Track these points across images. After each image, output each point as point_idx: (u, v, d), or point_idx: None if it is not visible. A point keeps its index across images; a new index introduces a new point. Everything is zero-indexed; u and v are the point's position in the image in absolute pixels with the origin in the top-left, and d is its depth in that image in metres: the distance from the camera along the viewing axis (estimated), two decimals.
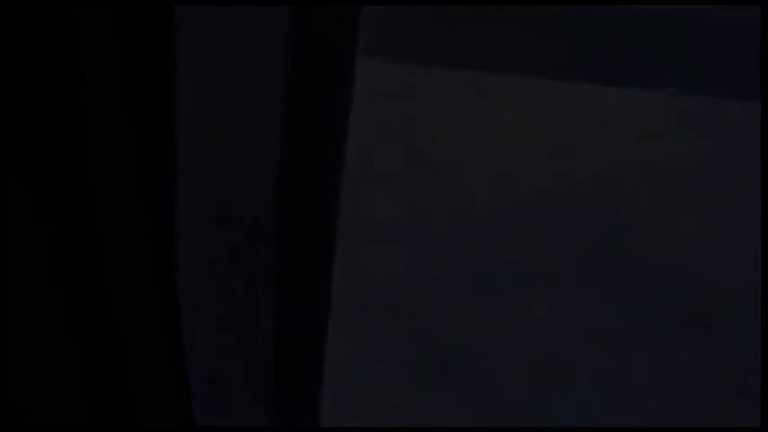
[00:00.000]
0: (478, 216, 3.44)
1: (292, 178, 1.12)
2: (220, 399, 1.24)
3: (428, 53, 4.21)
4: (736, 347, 2.83)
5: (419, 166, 3.70)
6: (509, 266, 3.18)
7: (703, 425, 2.55)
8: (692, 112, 3.91)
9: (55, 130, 0.89)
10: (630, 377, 2.74)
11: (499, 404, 2.63)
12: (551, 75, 4.12)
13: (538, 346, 2.86)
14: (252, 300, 1.17)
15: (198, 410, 1.15)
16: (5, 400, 0.97)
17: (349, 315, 2.88)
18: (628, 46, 4.21)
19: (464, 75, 4.12)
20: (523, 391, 2.69)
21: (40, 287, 0.94)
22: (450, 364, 2.77)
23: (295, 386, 1.35)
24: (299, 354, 1.33)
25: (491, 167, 3.71)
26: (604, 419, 2.60)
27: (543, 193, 3.56)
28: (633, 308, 3.01)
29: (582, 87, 4.05)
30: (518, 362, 2.80)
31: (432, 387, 2.67)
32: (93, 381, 0.98)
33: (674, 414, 2.62)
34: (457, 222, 3.41)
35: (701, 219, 3.41)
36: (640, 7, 4.29)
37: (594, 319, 2.95)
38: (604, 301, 3.03)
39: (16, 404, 0.97)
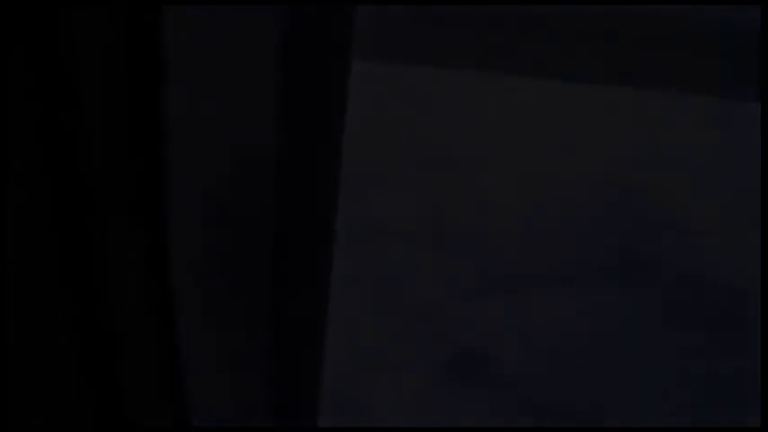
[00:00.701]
0: (477, 216, 3.44)
1: (290, 179, 1.12)
2: (219, 399, 1.24)
3: (425, 53, 4.21)
4: (748, 348, 2.83)
5: (418, 167, 3.70)
6: (509, 267, 3.18)
7: (717, 425, 2.56)
8: (693, 113, 3.91)
9: (55, 130, 0.90)
10: (648, 378, 2.74)
11: (500, 404, 2.63)
12: (551, 75, 4.12)
13: (540, 347, 2.86)
14: (251, 300, 1.17)
15: (196, 410, 1.15)
16: (5, 400, 0.97)
17: (349, 315, 2.88)
18: (628, 46, 4.21)
19: (462, 75, 4.13)
20: (529, 391, 2.69)
21: (40, 287, 0.94)
22: (450, 364, 2.77)
23: (294, 386, 1.35)
24: (298, 353, 1.33)
25: (491, 167, 3.71)
26: (618, 419, 2.60)
27: (543, 193, 3.56)
28: (648, 310, 3.01)
29: (582, 87, 4.05)
30: (519, 363, 2.80)
31: (432, 387, 2.67)
32: (92, 381, 0.98)
33: (691, 414, 2.62)
34: (456, 221, 3.41)
35: (700, 219, 3.41)
36: (640, 7, 4.29)
37: (599, 320, 2.95)
38: (606, 302, 3.03)
39: (16, 404, 0.97)
